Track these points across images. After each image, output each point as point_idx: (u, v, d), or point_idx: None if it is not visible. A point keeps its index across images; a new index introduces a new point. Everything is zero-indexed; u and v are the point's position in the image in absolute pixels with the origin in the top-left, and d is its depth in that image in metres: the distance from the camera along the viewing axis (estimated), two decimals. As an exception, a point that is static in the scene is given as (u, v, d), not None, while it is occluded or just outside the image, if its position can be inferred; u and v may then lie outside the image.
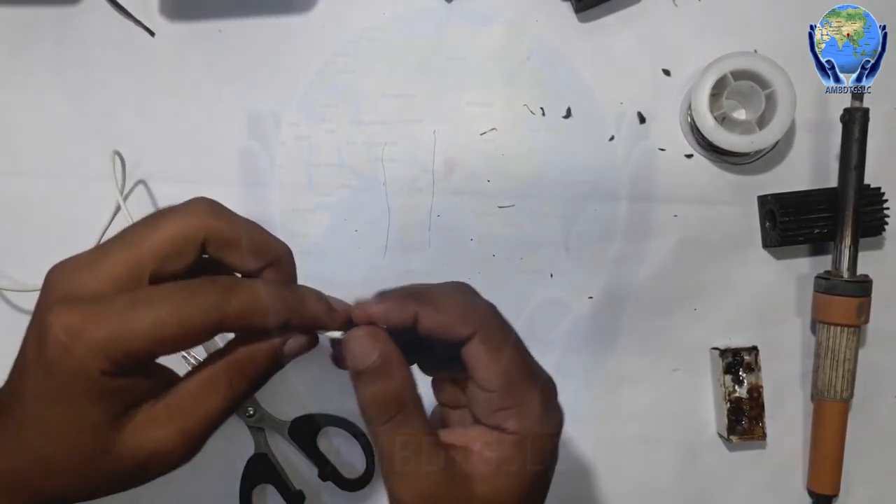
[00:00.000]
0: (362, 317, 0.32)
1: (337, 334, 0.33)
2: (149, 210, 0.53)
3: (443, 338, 0.33)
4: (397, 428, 0.32)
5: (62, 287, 0.30)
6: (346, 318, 0.33)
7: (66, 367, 0.28)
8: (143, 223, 0.31)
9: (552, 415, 0.35)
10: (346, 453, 0.53)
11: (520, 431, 0.33)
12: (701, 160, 0.55)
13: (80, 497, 0.31)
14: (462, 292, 0.35)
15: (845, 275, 0.51)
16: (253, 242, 0.32)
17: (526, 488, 0.34)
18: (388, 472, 0.33)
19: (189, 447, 0.31)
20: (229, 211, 0.32)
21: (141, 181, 0.54)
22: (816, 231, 0.52)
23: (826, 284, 0.51)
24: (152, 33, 0.55)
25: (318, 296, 0.33)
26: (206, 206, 0.31)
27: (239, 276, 0.33)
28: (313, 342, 0.33)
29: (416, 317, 0.32)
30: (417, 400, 0.32)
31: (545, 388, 0.35)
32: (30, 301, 0.51)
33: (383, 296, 0.33)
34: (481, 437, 0.33)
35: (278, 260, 0.33)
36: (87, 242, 0.52)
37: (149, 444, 0.30)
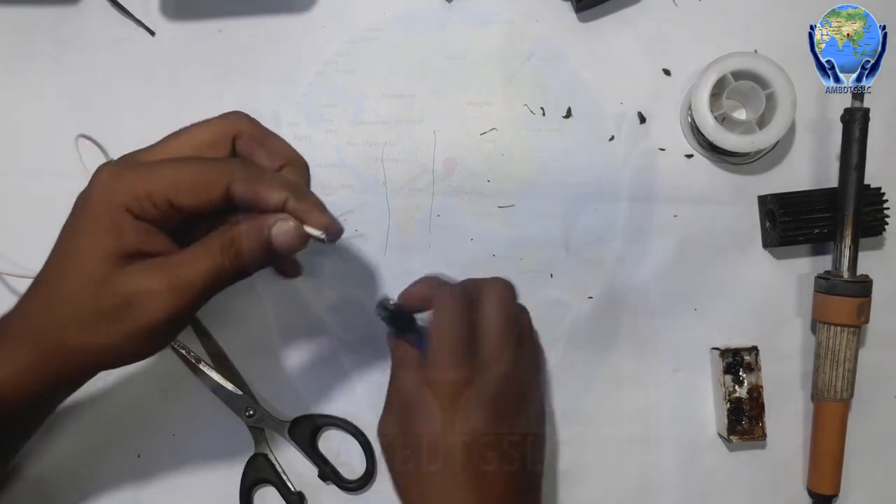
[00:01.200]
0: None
1: (317, 233, 0.37)
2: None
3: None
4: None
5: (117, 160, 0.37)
6: (326, 221, 0.37)
7: (100, 199, 0.35)
8: (191, 124, 0.38)
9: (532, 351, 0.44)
10: (346, 454, 0.53)
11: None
12: (701, 160, 0.55)
13: (76, 340, 0.35)
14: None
15: (845, 275, 0.51)
16: (273, 143, 0.39)
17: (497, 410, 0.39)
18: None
19: (171, 303, 0.34)
20: (257, 121, 0.40)
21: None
22: (816, 231, 0.52)
23: (826, 284, 0.51)
24: (152, 33, 0.55)
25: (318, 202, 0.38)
26: (239, 113, 0.39)
27: None
28: (301, 235, 0.36)
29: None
30: None
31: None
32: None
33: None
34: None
35: (293, 161, 0.39)
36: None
37: (138, 285, 0.34)
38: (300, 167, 0.40)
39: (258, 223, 0.36)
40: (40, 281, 0.36)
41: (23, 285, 0.52)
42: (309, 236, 0.37)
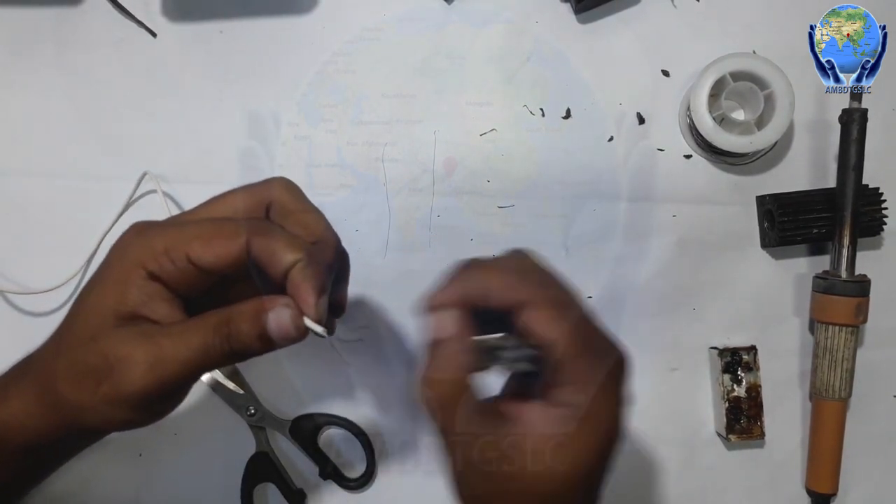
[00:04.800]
0: (440, 303, 0.34)
1: (318, 329, 0.33)
2: (152, 212, 0.54)
3: (500, 305, 0.34)
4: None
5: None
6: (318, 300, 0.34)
7: (117, 254, 0.34)
8: (232, 189, 0.37)
9: (617, 393, 0.33)
10: (346, 452, 0.53)
11: (579, 408, 0.32)
12: (700, 160, 0.55)
13: (68, 392, 0.33)
14: (520, 258, 0.36)
15: (844, 275, 0.51)
16: (305, 218, 0.37)
17: (582, 471, 0.32)
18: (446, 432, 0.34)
19: (149, 376, 0.32)
20: (296, 190, 0.38)
21: (151, 191, 0.54)
22: (815, 231, 0.52)
23: (824, 284, 0.51)
24: (154, 34, 0.55)
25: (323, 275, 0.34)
26: (281, 180, 0.38)
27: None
28: (298, 327, 0.33)
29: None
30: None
31: (611, 362, 0.33)
32: (32, 303, 0.52)
33: (446, 277, 0.35)
34: (537, 411, 0.32)
35: (322, 240, 0.37)
36: (88, 242, 0.52)
37: (120, 350, 0.33)
38: (328, 247, 0.37)
39: (256, 305, 0.33)
40: (59, 326, 0.36)
41: (19, 300, 0.53)
42: (308, 329, 0.33)
